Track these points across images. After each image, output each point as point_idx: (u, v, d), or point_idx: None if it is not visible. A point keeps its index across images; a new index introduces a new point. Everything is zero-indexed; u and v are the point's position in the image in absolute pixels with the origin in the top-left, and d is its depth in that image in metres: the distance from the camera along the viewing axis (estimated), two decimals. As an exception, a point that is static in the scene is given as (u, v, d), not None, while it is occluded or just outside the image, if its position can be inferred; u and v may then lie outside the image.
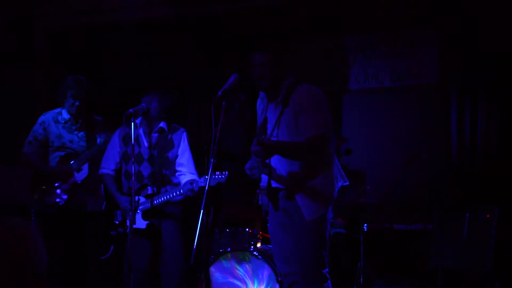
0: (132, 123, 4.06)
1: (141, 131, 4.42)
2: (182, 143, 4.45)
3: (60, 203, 4.42)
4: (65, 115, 4.57)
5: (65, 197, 4.44)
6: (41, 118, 4.60)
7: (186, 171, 4.39)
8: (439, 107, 6.09)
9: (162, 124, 4.42)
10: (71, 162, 4.46)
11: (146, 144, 4.40)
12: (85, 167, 4.50)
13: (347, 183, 3.76)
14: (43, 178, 4.46)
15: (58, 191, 4.44)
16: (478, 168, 5.73)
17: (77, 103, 4.48)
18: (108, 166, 4.49)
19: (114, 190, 4.42)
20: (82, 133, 4.58)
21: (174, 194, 4.24)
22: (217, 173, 3.97)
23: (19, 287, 2.00)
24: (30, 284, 2.02)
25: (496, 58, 5.71)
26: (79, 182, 4.48)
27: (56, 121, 4.57)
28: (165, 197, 4.27)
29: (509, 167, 5.63)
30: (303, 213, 3.54)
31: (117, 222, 4.44)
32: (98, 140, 4.61)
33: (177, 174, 4.41)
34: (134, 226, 4.15)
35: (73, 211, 4.47)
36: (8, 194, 5.59)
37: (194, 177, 4.34)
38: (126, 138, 4.41)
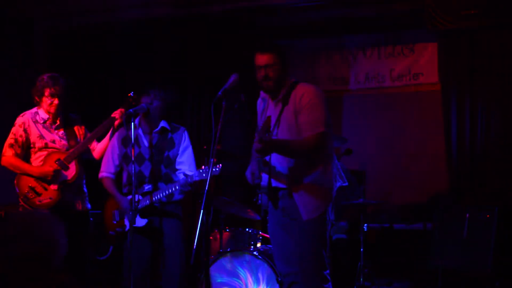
0: (132, 124, 4.06)
1: (140, 131, 4.42)
2: (182, 142, 4.45)
3: (51, 203, 4.38)
4: (43, 114, 4.50)
5: (55, 196, 4.40)
6: (20, 120, 4.51)
7: (186, 169, 4.39)
8: (439, 107, 6.09)
9: (163, 124, 4.42)
10: (57, 162, 4.41)
11: (146, 144, 4.40)
12: (72, 166, 4.45)
13: (346, 183, 3.77)
14: (30, 178, 4.41)
15: (48, 190, 4.41)
16: (478, 168, 5.73)
17: (55, 102, 4.43)
18: (107, 170, 4.49)
19: (115, 192, 4.41)
20: (61, 131, 4.53)
21: (171, 190, 4.24)
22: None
23: (36, 277, 2.05)
24: (46, 275, 2.07)
25: (496, 58, 5.71)
26: (68, 180, 4.44)
27: (35, 121, 4.50)
28: (163, 193, 4.27)
29: (509, 167, 5.63)
30: (301, 212, 3.55)
31: (115, 222, 4.43)
32: (77, 138, 4.57)
33: (177, 172, 4.42)
34: (137, 225, 4.15)
35: (62, 211, 4.43)
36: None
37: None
38: (125, 140, 4.41)
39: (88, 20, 6.80)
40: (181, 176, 4.33)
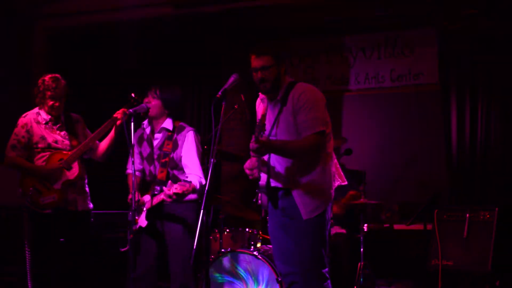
0: (132, 123, 4.06)
1: (148, 130, 4.44)
2: (185, 144, 4.38)
3: (54, 203, 4.39)
4: (44, 115, 4.50)
5: (57, 196, 4.40)
6: (22, 121, 4.51)
7: (190, 172, 4.35)
8: (439, 107, 6.09)
9: (165, 124, 4.40)
10: (60, 161, 4.41)
11: (155, 143, 4.41)
12: (75, 166, 4.46)
13: (345, 183, 3.77)
14: (34, 178, 4.41)
15: (51, 190, 4.41)
16: (478, 168, 5.73)
17: (56, 104, 4.44)
18: (131, 167, 4.47)
19: (135, 190, 4.39)
20: (63, 132, 4.53)
21: (166, 195, 4.19)
22: None
23: None
24: None
25: (496, 58, 5.71)
26: (71, 180, 4.44)
27: (37, 122, 4.50)
28: (160, 197, 4.25)
29: (509, 167, 5.63)
30: (301, 212, 3.55)
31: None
32: (80, 138, 4.57)
33: (184, 175, 4.39)
34: (140, 224, 4.15)
35: (65, 211, 4.44)
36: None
37: (197, 177, 4.30)
38: (140, 139, 4.44)
39: (88, 20, 6.80)
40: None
